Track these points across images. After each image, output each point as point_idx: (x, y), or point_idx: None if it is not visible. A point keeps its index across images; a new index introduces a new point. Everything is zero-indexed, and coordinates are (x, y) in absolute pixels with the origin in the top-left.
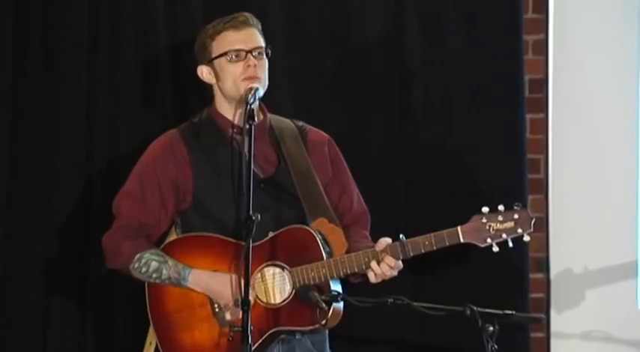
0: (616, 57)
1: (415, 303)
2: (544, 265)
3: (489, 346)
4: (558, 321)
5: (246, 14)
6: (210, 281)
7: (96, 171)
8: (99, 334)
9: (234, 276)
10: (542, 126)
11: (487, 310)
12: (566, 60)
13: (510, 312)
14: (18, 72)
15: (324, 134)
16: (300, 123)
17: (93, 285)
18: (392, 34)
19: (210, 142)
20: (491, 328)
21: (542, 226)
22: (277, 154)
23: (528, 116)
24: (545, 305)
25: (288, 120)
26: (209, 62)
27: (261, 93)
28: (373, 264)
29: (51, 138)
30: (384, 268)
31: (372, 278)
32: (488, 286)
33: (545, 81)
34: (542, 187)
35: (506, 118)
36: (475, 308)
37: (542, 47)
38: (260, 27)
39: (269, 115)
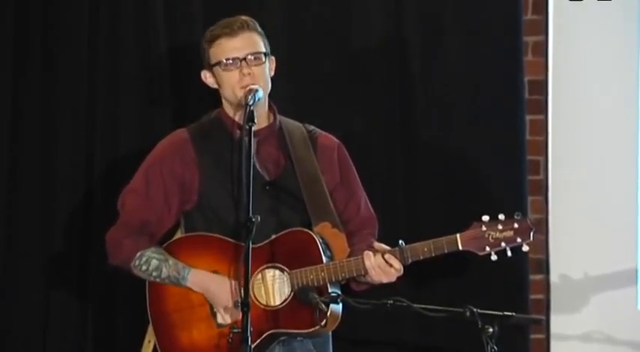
0: (616, 58)
1: (415, 305)
2: (544, 266)
3: (489, 347)
4: (558, 323)
5: (244, 18)
6: (209, 282)
7: (96, 171)
8: (99, 334)
9: (233, 281)
10: (542, 127)
11: (487, 311)
12: (565, 61)
13: (510, 314)
14: (18, 72)
15: (335, 139)
16: (311, 128)
17: (93, 285)
18: (392, 34)
19: (219, 143)
20: (490, 329)
21: (542, 227)
22: (285, 157)
23: (528, 117)
24: (544, 307)
25: (298, 124)
26: (210, 68)
27: (260, 94)
28: (370, 258)
29: (51, 138)
30: (379, 259)
31: (372, 275)
32: (487, 287)
33: (545, 82)
34: (542, 188)
35: (506, 119)
36: (475, 309)
37: (542, 48)
38: (259, 29)
39: (279, 117)
